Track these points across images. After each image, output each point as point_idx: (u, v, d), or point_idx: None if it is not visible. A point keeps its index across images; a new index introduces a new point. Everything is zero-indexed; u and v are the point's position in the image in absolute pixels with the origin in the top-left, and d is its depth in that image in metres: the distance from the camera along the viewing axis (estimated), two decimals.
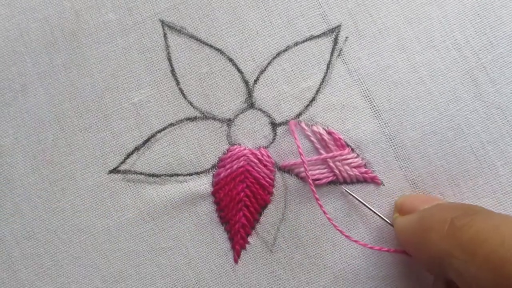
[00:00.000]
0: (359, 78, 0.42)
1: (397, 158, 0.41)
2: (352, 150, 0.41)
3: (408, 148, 0.41)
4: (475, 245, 0.30)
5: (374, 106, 0.41)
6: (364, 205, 0.40)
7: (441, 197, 0.41)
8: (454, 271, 0.31)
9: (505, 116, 0.41)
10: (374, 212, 0.40)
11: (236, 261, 0.41)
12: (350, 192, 0.40)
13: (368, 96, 0.41)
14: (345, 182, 0.41)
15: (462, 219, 0.32)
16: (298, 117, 0.42)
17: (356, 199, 0.40)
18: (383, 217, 0.40)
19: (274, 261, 0.41)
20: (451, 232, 0.32)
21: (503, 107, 0.41)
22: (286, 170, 0.41)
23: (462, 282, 0.31)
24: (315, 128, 0.41)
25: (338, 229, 0.39)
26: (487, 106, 0.41)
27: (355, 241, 0.39)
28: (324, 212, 0.39)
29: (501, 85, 0.41)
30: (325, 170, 0.41)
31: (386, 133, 0.41)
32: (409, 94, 0.41)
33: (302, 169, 0.40)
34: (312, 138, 0.41)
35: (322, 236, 0.41)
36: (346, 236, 0.39)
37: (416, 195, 0.41)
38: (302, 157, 0.38)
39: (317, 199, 0.39)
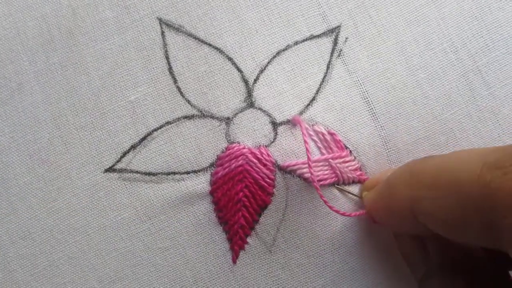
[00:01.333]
0: (358, 80, 0.42)
1: (389, 162, 0.42)
2: (350, 152, 0.42)
3: (401, 152, 0.41)
4: (434, 179, 0.31)
5: (372, 108, 0.42)
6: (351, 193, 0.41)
7: None
8: (424, 214, 0.32)
9: (497, 120, 0.42)
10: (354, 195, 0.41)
11: (234, 261, 0.41)
12: (342, 188, 0.41)
13: (367, 98, 0.42)
14: (343, 183, 0.41)
15: (419, 165, 0.34)
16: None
17: (347, 191, 0.41)
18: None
19: (273, 262, 0.41)
20: (412, 180, 0.33)
21: (496, 111, 0.42)
22: (288, 170, 0.41)
23: (433, 221, 0.32)
24: (317, 127, 0.42)
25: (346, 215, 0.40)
26: (480, 110, 0.42)
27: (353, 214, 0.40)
28: (337, 211, 0.39)
29: (495, 88, 0.42)
30: (328, 171, 0.41)
31: (382, 136, 0.42)
32: (406, 97, 0.42)
33: (305, 169, 0.41)
34: (314, 138, 0.41)
35: (321, 236, 0.41)
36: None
37: (378, 173, 0.42)
38: (308, 155, 0.38)
39: (325, 202, 0.39)
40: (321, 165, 0.41)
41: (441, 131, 0.41)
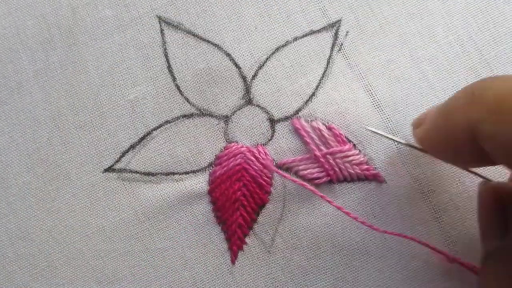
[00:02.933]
0: (360, 73, 0.42)
1: (400, 154, 0.41)
2: (354, 146, 0.41)
3: (412, 144, 0.40)
4: (499, 101, 0.29)
5: (376, 100, 0.41)
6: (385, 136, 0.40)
7: None
8: (485, 138, 0.30)
9: None
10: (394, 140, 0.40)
11: (233, 262, 0.41)
12: (374, 130, 0.40)
13: (370, 91, 0.42)
14: (345, 180, 0.41)
15: (481, 84, 0.31)
16: (298, 113, 0.42)
17: (378, 133, 0.40)
18: (412, 145, 0.39)
19: (272, 262, 0.41)
20: (474, 101, 0.31)
21: None
22: (285, 168, 0.41)
23: (495, 146, 0.30)
24: (314, 124, 0.41)
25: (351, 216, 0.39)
26: None
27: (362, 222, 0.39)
28: (340, 208, 0.39)
29: None
30: (323, 169, 0.40)
31: (389, 128, 0.41)
32: (412, 89, 0.41)
33: (301, 167, 0.41)
34: (312, 135, 0.41)
35: (321, 237, 0.41)
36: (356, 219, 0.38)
37: (426, 110, 0.39)
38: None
39: (323, 197, 0.38)
40: (317, 163, 0.41)
41: None
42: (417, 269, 0.40)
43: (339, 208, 0.38)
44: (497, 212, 0.36)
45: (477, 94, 0.31)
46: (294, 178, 0.39)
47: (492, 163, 0.32)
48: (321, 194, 0.38)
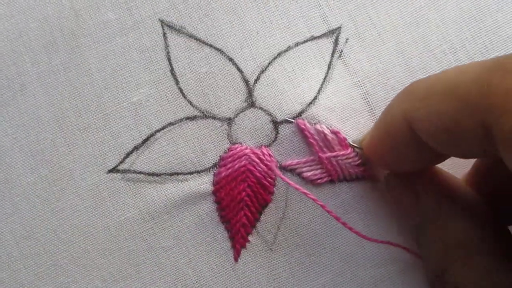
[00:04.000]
0: (359, 81, 0.43)
1: None
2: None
3: None
4: (428, 89, 0.31)
5: (372, 109, 0.43)
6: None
7: None
8: (418, 122, 0.32)
9: None
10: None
11: (236, 260, 0.42)
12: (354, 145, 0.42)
13: (367, 99, 0.43)
14: (344, 179, 0.42)
15: (413, 82, 0.34)
16: (300, 116, 0.43)
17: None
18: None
19: (274, 260, 0.42)
20: (406, 94, 0.34)
21: None
22: (288, 169, 0.42)
23: (428, 129, 0.31)
24: (318, 127, 0.42)
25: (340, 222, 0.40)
26: None
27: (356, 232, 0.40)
28: (329, 212, 0.40)
29: None
30: (326, 169, 0.42)
31: None
32: None
33: (305, 169, 0.42)
34: (316, 137, 0.42)
35: (322, 234, 0.42)
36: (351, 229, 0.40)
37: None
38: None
39: (315, 200, 0.40)
40: (319, 164, 0.42)
41: None
42: (414, 264, 0.42)
43: (329, 212, 0.40)
44: (406, 185, 0.38)
45: (409, 89, 0.33)
46: (297, 186, 0.40)
47: (435, 159, 0.34)
48: (322, 203, 0.40)
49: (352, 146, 0.41)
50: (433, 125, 0.31)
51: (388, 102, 0.42)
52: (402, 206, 0.39)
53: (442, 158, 0.35)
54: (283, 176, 0.40)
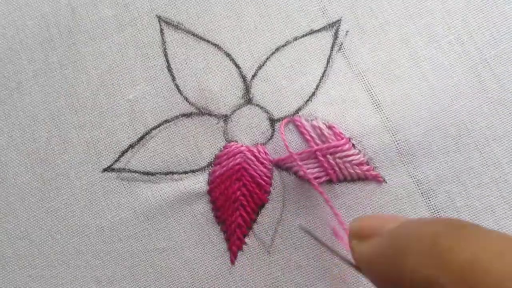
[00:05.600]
0: (360, 72, 0.42)
1: (399, 154, 0.41)
2: (354, 146, 0.41)
3: (411, 144, 0.40)
4: (473, 275, 0.24)
5: (376, 100, 0.42)
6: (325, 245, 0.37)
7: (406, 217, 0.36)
8: None
9: (510, 113, 0.41)
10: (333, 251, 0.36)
11: (232, 262, 0.41)
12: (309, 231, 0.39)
13: (369, 90, 0.42)
14: (345, 180, 0.41)
15: (449, 238, 0.26)
16: (298, 113, 0.42)
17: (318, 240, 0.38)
18: (347, 259, 0.34)
19: (271, 263, 0.41)
20: (436, 254, 0.25)
21: (508, 104, 0.41)
22: (284, 168, 0.41)
23: None
24: (315, 123, 0.41)
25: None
26: (491, 102, 0.41)
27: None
28: (331, 207, 0.38)
29: (505, 81, 0.41)
30: (321, 168, 0.40)
31: (388, 128, 0.41)
32: (412, 88, 0.41)
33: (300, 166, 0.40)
34: (312, 134, 0.41)
35: (320, 236, 0.40)
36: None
37: (374, 216, 0.37)
38: (290, 151, 0.38)
39: (321, 193, 0.38)
40: (317, 162, 0.41)
41: (452, 122, 0.41)
42: None
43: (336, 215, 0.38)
44: None
45: (444, 248, 0.26)
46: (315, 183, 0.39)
47: None
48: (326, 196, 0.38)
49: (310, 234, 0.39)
50: None
51: (394, 92, 0.41)
52: None
53: None
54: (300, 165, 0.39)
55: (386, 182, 0.41)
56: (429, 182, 0.41)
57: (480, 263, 0.24)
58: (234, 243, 0.41)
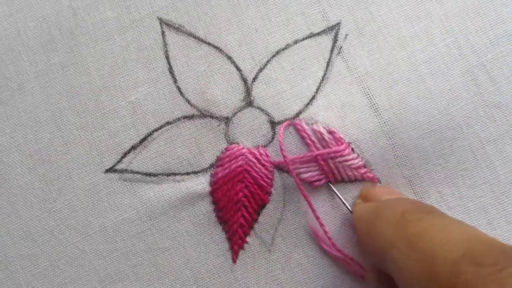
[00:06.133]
0: (359, 76, 0.42)
1: (395, 156, 0.41)
2: (352, 150, 0.41)
3: (407, 147, 0.41)
4: (418, 241, 0.30)
5: (374, 104, 0.42)
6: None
7: (413, 196, 0.42)
8: (394, 263, 0.31)
9: (505, 116, 0.42)
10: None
11: (234, 261, 0.42)
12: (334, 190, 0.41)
13: (368, 94, 0.42)
14: (343, 181, 0.42)
15: (413, 214, 0.33)
16: (298, 116, 0.42)
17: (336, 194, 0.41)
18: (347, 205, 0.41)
19: (272, 261, 0.42)
20: (399, 224, 0.32)
21: (503, 106, 0.41)
22: (285, 169, 0.42)
23: (400, 276, 0.31)
24: (315, 127, 0.42)
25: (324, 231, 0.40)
26: (487, 105, 0.42)
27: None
28: (313, 210, 0.40)
29: (501, 84, 0.42)
30: (320, 171, 0.41)
31: (385, 131, 0.41)
32: (409, 92, 0.42)
33: (302, 169, 0.41)
34: (313, 138, 0.41)
35: (321, 236, 0.41)
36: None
37: (383, 187, 0.41)
38: (285, 157, 0.40)
39: (305, 196, 0.40)
40: (317, 166, 0.41)
41: (448, 126, 0.41)
42: None
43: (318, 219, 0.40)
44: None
45: (406, 220, 0.33)
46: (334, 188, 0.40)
47: None
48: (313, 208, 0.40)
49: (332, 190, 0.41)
50: (401, 276, 0.31)
51: (392, 96, 0.41)
52: None
53: None
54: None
55: (381, 183, 0.42)
56: (422, 183, 0.41)
57: (426, 235, 0.31)
58: (236, 242, 0.41)
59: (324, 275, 0.41)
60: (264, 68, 0.43)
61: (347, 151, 0.41)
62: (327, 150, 0.41)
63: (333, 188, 0.41)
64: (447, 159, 0.41)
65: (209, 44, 0.43)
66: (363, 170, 0.41)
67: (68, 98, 0.43)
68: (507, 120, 0.41)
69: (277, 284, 0.41)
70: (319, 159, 0.41)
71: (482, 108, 0.42)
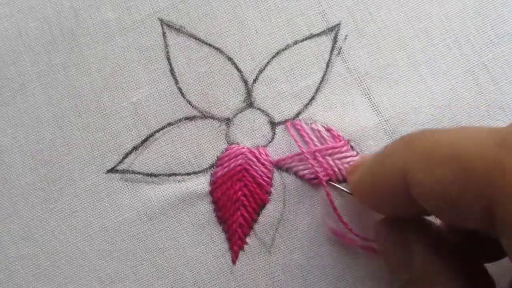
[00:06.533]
0: (358, 76, 0.43)
1: None
2: (352, 148, 0.41)
3: None
4: (432, 151, 0.29)
5: (374, 103, 0.42)
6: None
7: None
8: (419, 187, 0.30)
9: (506, 115, 0.41)
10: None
11: (234, 262, 0.41)
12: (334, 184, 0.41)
13: (368, 94, 0.42)
14: (344, 181, 0.42)
15: (415, 136, 0.32)
16: (298, 116, 0.42)
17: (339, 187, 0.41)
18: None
19: (272, 262, 0.41)
20: (408, 150, 0.31)
21: (505, 106, 0.41)
22: (285, 168, 0.42)
23: (428, 196, 0.30)
24: (314, 125, 0.42)
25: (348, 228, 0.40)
26: (488, 105, 0.42)
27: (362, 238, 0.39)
28: (334, 209, 0.40)
29: (503, 84, 0.42)
30: (322, 168, 0.41)
31: (386, 130, 0.42)
32: (410, 92, 0.42)
33: (301, 167, 0.41)
34: (312, 136, 0.41)
35: (321, 237, 0.41)
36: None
37: (359, 157, 0.41)
38: (301, 148, 0.39)
39: (328, 194, 0.40)
40: (316, 163, 0.41)
41: (450, 125, 0.41)
42: None
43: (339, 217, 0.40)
44: (398, 236, 0.36)
45: (409, 143, 0.31)
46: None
47: (424, 213, 0.32)
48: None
49: (333, 186, 0.41)
50: (432, 193, 0.29)
51: (393, 96, 0.41)
52: (391, 260, 0.36)
53: None
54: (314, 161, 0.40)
55: None
56: None
57: (433, 140, 0.30)
58: (236, 243, 0.41)
59: (326, 278, 0.41)
60: (264, 69, 0.43)
61: (345, 147, 0.41)
62: (324, 146, 0.41)
63: (334, 184, 0.41)
64: None
65: (210, 45, 0.43)
66: None
67: (70, 98, 0.43)
68: (509, 119, 0.41)
69: (277, 285, 0.41)
70: (317, 156, 0.41)
71: (484, 107, 0.42)
